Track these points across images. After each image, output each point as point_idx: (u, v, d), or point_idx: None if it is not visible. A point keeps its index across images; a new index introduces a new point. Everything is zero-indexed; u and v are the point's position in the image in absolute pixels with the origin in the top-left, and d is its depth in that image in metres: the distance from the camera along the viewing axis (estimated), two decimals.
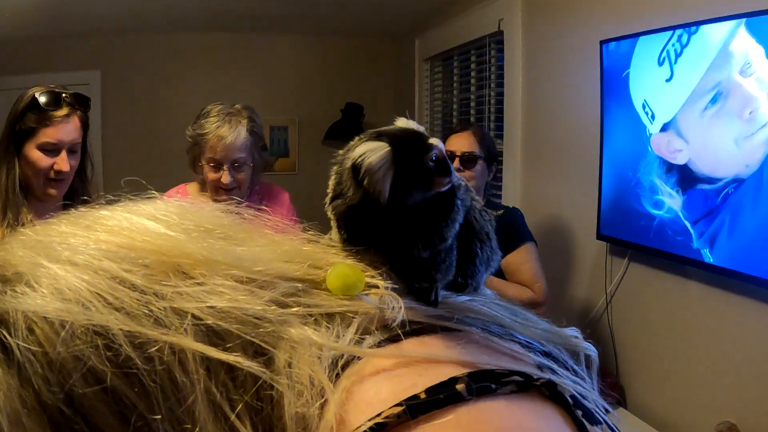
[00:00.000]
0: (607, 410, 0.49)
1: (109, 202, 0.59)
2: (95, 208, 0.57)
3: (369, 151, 0.56)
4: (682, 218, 2.05)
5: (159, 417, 0.46)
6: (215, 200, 2.20)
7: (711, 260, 1.93)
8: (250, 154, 2.23)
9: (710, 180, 1.94)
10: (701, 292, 2.08)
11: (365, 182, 0.56)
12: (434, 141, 0.58)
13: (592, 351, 0.60)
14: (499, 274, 2.26)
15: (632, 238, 2.29)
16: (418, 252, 0.59)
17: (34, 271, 0.49)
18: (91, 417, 0.45)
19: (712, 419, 1.95)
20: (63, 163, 1.80)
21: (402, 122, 0.62)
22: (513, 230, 2.36)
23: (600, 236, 2.45)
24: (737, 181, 1.83)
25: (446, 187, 0.58)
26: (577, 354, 0.60)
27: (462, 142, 2.43)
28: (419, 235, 0.59)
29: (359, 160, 0.56)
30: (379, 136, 0.58)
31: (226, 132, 2.16)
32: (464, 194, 0.63)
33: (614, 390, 2.38)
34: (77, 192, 1.91)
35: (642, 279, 2.37)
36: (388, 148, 0.56)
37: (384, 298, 0.54)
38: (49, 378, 0.45)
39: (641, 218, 2.23)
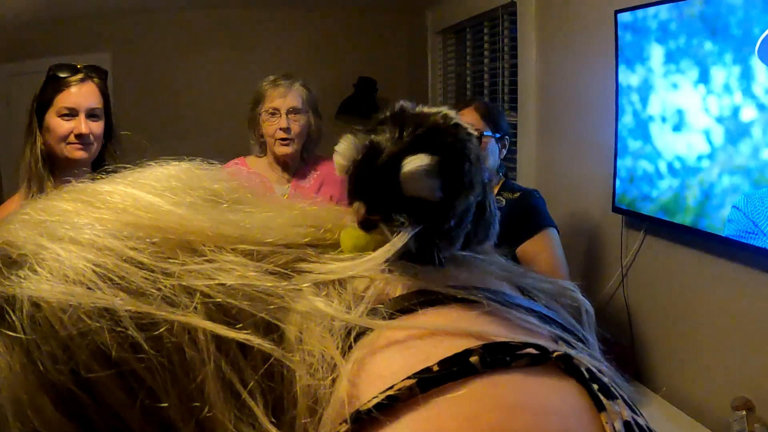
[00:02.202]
0: (622, 385, 0.48)
1: (107, 173, 0.58)
2: (95, 182, 0.56)
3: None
4: (700, 191, 2.02)
5: (168, 393, 0.45)
6: (275, 156, 2.48)
7: (728, 233, 1.91)
8: (305, 106, 2.47)
9: None
10: (718, 266, 2.06)
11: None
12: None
13: (589, 306, 0.60)
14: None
15: (648, 211, 2.26)
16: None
17: (37, 253, 0.48)
18: (99, 393, 0.45)
19: (728, 394, 1.94)
20: (81, 125, 1.84)
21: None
22: (530, 215, 2.16)
23: (615, 209, 2.42)
24: None
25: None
26: (580, 313, 0.59)
27: (465, 121, 2.28)
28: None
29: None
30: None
31: (283, 81, 2.46)
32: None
33: (629, 364, 2.37)
34: (107, 163, 1.93)
35: (658, 252, 2.35)
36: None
37: (397, 263, 0.52)
38: (56, 355, 0.45)
39: (658, 191, 2.21)
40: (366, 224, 0.54)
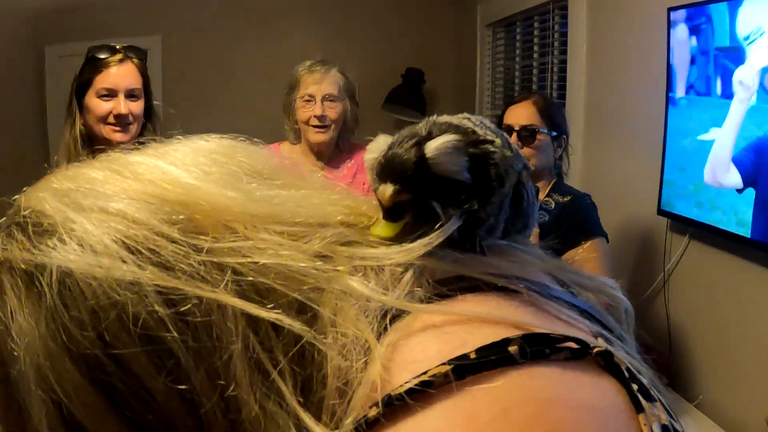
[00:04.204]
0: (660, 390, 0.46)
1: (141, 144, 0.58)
2: (127, 153, 0.55)
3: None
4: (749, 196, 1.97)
5: (194, 368, 0.45)
6: (309, 143, 2.45)
7: None
8: (341, 93, 2.42)
9: None
10: (762, 275, 2.00)
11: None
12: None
13: (629, 305, 0.59)
14: None
15: (694, 215, 2.21)
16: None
17: (65, 224, 0.48)
18: (125, 362, 0.45)
19: (764, 408, 1.89)
20: (120, 105, 1.85)
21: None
22: (579, 221, 2.08)
23: (661, 212, 2.37)
24: None
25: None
26: (619, 312, 0.58)
27: (520, 114, 2.17)
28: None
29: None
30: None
31: (319, 67, 2.41)
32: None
33: (665, 369, 2.32)
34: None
35: (702, 258, 2.29)
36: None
37: (437, 251, 0.51)
38: (84, 321, 0.44)
39: (705, 195, 2.15)
40: (393, 211, 0.52)
